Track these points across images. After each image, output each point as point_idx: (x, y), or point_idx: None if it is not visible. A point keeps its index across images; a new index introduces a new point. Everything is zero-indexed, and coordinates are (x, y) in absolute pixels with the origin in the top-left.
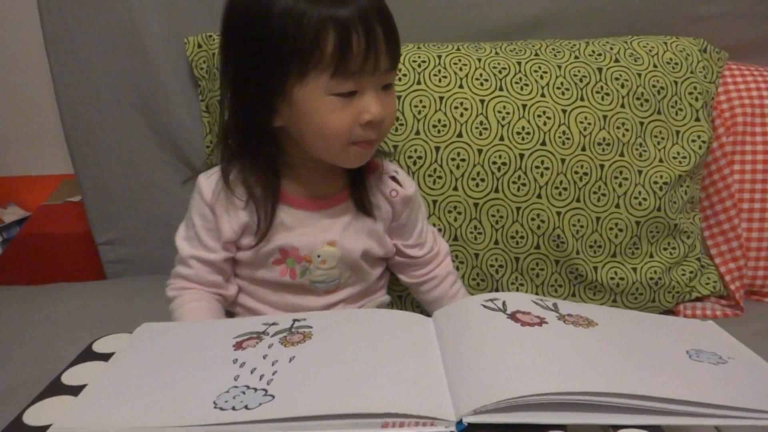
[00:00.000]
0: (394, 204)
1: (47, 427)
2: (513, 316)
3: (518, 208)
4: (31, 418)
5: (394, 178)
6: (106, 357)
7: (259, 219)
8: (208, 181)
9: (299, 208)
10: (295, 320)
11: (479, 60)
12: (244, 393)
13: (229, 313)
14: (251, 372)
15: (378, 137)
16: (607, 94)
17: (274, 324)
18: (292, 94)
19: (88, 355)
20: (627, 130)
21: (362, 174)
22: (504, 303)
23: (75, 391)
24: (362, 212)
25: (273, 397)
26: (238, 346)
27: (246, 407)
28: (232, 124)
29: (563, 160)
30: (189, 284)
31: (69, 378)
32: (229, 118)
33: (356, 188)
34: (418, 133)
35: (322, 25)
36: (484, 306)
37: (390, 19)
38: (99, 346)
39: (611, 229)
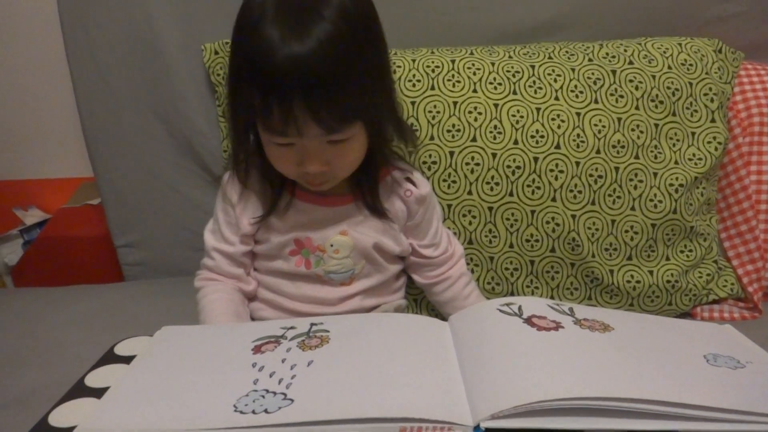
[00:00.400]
0: (409, 203)
1: (72, 428)
2: (529, 321)
3: (533, 212)
4: (57, 419)
5: (408, 179)
6: (127, 360)
7: (269, 206)
8: (231, 179)
9: (311, 203)
10: (312, 324)
11: (493, 64)
12: (263, 397)
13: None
14: (270, 376)
15: (331, 178)
16: (621, 96)
17: (292, 328)
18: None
19: (110, 357)
20: (642, 132)
21: (370, 179)
22: (520, 307)
23: (98, 393)
24: (373, 214)
25: (292, 401)
26: (257, 350)
27: (266, 411)
28: (230, 134)
29: (578, 163)
30: (213, 275)
31: (92, 380)
32: (229, 129)
33: (363, 191)
34: (432, 138)
35: (250, 81)
36: (500, 310)
37: (327, 84)
38: (121, 349)
39: (627, 231)
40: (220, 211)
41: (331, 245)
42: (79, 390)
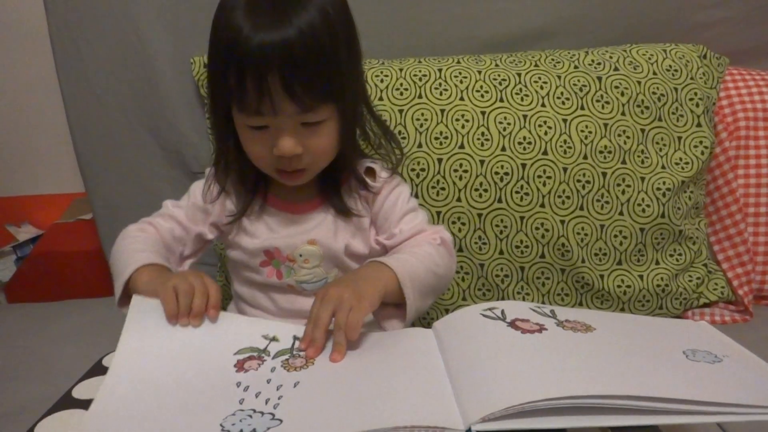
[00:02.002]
0: (368, 197)
1: None
2: (513, 324)
3: (522, 218)
4: (43, 431)
5: (370, 169)
6: None
7: (241, 204)
8: (212, 171)
9: (281, 210)
10: (295, 338)
11: (479, 72)
12: (250, 416)
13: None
14: (256, 396)
15: (305, 167)
16: (608, 103)
17: (274, 339)
18: (233, 116)
19: (98, 369)
20: (628, 137)
21: (335, 181)
22: (503, 311)
23: (85, 404)
24: (340, 214)
25: (281, 421)
26: (240, 367)
27: (254, 431)
28: (211, 131)
29: (565, 169)
30: (150, 227)
31: (79, 392)
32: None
33: (330, 194)
34: (420, 145)
35: (226, 59)
36: (484, 315)
37: (302, 61)
38: (109, 361)
39: (616, 236)
40: (197, 194)
41: (300, 255)
42: (66, 402)
